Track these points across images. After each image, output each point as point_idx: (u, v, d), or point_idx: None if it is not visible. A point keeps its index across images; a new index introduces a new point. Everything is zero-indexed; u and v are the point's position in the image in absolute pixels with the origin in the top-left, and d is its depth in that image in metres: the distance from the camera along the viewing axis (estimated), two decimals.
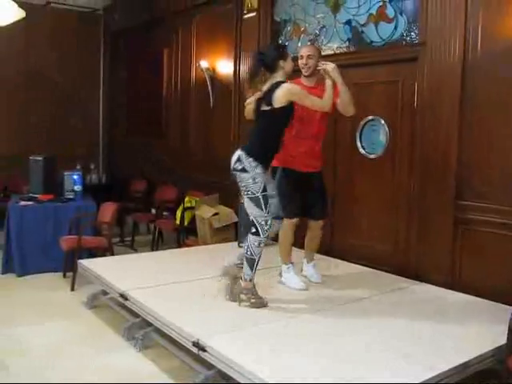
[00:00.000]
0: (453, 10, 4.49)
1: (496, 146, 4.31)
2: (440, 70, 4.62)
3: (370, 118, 5.31)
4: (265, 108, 4.01)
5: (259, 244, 3.98)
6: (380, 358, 3.15)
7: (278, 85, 3.97)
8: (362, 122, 5.37)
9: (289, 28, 6.27)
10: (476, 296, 4.26)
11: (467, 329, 3.63)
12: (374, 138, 5.37)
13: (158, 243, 7.32)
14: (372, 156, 5.37)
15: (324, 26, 5.82)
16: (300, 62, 4.44)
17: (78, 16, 9.52)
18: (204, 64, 7.35)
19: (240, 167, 4.00)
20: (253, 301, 3.99)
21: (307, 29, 6.03)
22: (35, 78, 9.04)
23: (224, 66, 7.21)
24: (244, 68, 6.76)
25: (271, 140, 4.08)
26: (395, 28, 5.11)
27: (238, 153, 4.04)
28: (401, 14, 5.06)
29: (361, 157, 5.44)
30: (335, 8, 5.67)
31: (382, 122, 5.24)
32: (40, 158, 6.66)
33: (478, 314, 3.91)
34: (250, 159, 3.97)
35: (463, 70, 4.45)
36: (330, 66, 4.22)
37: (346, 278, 4.82)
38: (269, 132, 4.07)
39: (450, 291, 4.44)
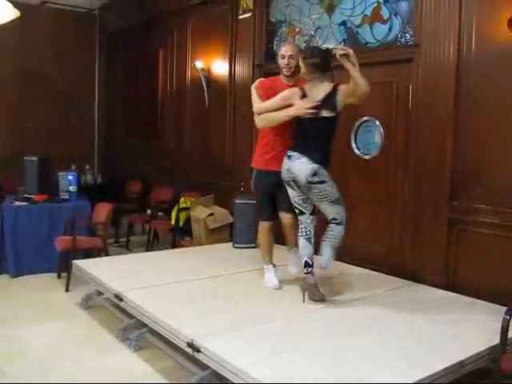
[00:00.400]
0: (447, 12, 4.50)
1: (491, 147, 4.32)
2: (434, 72, 4.63)
3: (365, 118, 5.32)
4: (328, 114, 3.99)
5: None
6: (378, 358, 3.16)
7: (335, 89, 3.98)
8: (357, 123, 5.39)
9: (284, 29, 6.28)
10: (471, 296, 4.27)
11: (462, 329, 3.64)
12: (369, 139, 5.38)
13: (153, 244, 7.32)
14: (367, 157, 5.38)
15: (319, 27, 5.84)
16: (281, 61, 4.32)
17: (74, 16, 9.50)
18: (199, 64, 7.35)
19: (318, 180, 3.98)
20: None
21: (302, 29, 6.04)
22: (31, 78, 9.03)
23: (219, 67, 7.21)
24: (239, 68, 6.77)
25: (331, 144, 4.13)
26: (390, 29, 5.13)
27: (312, 166, 3.94)
28: (395, 16, 5.08)
29: (355, 157, 5.45)
30: (330, 9, 5.68)
31: (377, 123, 5.26)
32: (35, 159, 6.66)
33: (472, 314, 3.92)
34: (324, 171, 4.01)
35: (457, 72, 4.47)
36: (350, 51, 3.96)
37: (342, 278, 4.81)
38: (331, 137, 4.12)
39: (444, 292, 4.46)
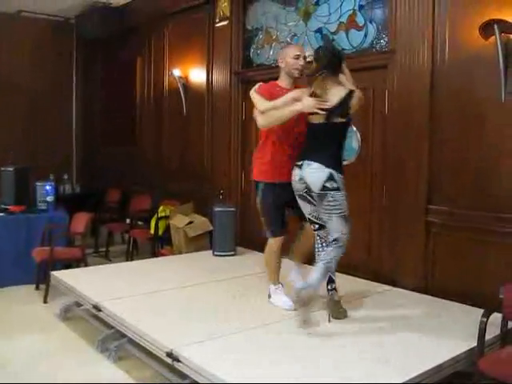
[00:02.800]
0: (421, 18, 4.55)
1: (466, 151, 4.37)
2: (409, 77, 4.68)
3: None
4: (339, 120, 3.82)
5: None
6: (354, 364, 3.17)
7: (350, 94, 3.78)
8: None
9: (260, 36, 6.31)
10: (449, 300, 4.30)
11: (440, 332, 3.66)
12: (347, 145, 5.38)
13: (132, 253, 7.26)
14: (345, 162, 5.38)
15: (295, 34, 5.87)
16: (295, 62, 4.05)
17: (51, 25, 9.43)
18: (176, 72, 7.34)
19: (334, 186, 3.75)
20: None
21: (279, 37, 6.06)
22: (6, 87, 8.92)
23: (197, 74, 7.22)
24: (216, 76, 6.78)
25: (342, 150, 3.96)
26: (365, 36, 5.17)
27: (328, 170, 3.74)
28: (370, 22, 5.12)
29: None
30: (306, 16, 5.72)
31: (354, 128, 5.27)
32: (11, 169, 6.58)
33: (450, 317, 3.95)
34: (341, 176, 3.80)
35: (432, 77, 4.52)
36: None
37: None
38: (343, 143, 3.96)
39: (423, 295, 4.49)
